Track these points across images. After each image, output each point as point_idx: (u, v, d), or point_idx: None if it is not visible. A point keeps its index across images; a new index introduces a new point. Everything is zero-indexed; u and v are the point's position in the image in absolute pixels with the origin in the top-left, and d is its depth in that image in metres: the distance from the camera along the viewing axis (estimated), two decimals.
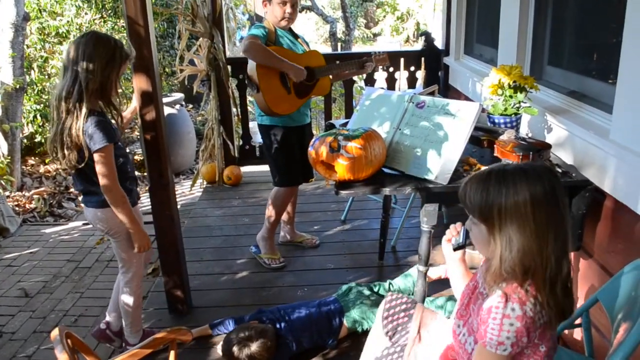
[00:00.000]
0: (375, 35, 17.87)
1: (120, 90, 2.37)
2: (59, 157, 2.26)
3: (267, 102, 3.04)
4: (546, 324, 1.32)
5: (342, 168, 2.18)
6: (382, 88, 3.20)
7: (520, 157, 2.16)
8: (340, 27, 13.57)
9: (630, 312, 1.65)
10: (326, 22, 13.59)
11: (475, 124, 2.20)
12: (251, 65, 3.06)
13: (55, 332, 1.60)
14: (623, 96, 2.04)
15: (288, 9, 3.11)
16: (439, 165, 2.18)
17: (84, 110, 2.18)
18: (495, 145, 2.32)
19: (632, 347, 1.49)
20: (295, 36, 3.31)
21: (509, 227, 1.29)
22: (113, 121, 2.38)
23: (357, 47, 15.74)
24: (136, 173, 6.10)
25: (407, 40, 16.30)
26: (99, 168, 2.25)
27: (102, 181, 2.26)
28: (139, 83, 2.54)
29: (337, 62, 3.44)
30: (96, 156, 2.23)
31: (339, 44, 13.08)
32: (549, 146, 2.33)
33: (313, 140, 2.35)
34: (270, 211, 3.41)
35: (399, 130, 2.40)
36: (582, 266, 2.42)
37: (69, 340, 1.60)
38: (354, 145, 2.15)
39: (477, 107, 2.20)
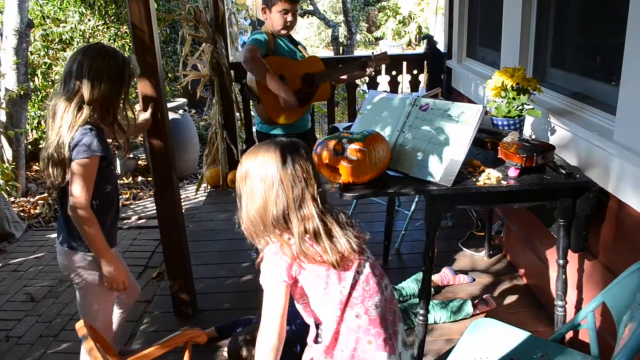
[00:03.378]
0: (377, 39, 17.89)
1: (129, 113, 2.17)
2: (47, 174, 2.01)
3: (269, 113, 3.00)
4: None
5: (346, 171, 2.19)
6: (385, 91, 3.21)
7: (524, 158, 2.17)
8: (342, 31, 13.57)
9: (635, 312, 1.65)
10: (328, 26, 13.59)
11: (478, 126, 2.21)
12: (250, 77, 3.01)
13: (80, 324, 1.66)
14: (626, 97, 2.05)
15: (289, 17, 3.03)
16: (443, 167, 2.19)
17: (79, 121, 1.95)
18: (498, 147, 2.32)
19: (636, 348, 1.49)
20: (295, 43, 3.25)
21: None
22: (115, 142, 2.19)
23: (359, 51, 15.77)
24: (140, 178, 6.18)
25: (409, 44, 16.31)
26: (74, 181, 1.93)
27: (71, 197, 1.94)
28: (144, 89, 2.55)
29: (340, 65, 3.38)
30: (75, 166, 1.92)
31: (341, 48, 13.09)
32: (552, 147, 2.33)
33: (317, 143, 2.35)
34: None
35: (402, 133, 2.41)
36: (587, 267, 2.43)
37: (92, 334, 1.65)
38: (357, 148, 2.15)
39: (480, 109, 2.21)
